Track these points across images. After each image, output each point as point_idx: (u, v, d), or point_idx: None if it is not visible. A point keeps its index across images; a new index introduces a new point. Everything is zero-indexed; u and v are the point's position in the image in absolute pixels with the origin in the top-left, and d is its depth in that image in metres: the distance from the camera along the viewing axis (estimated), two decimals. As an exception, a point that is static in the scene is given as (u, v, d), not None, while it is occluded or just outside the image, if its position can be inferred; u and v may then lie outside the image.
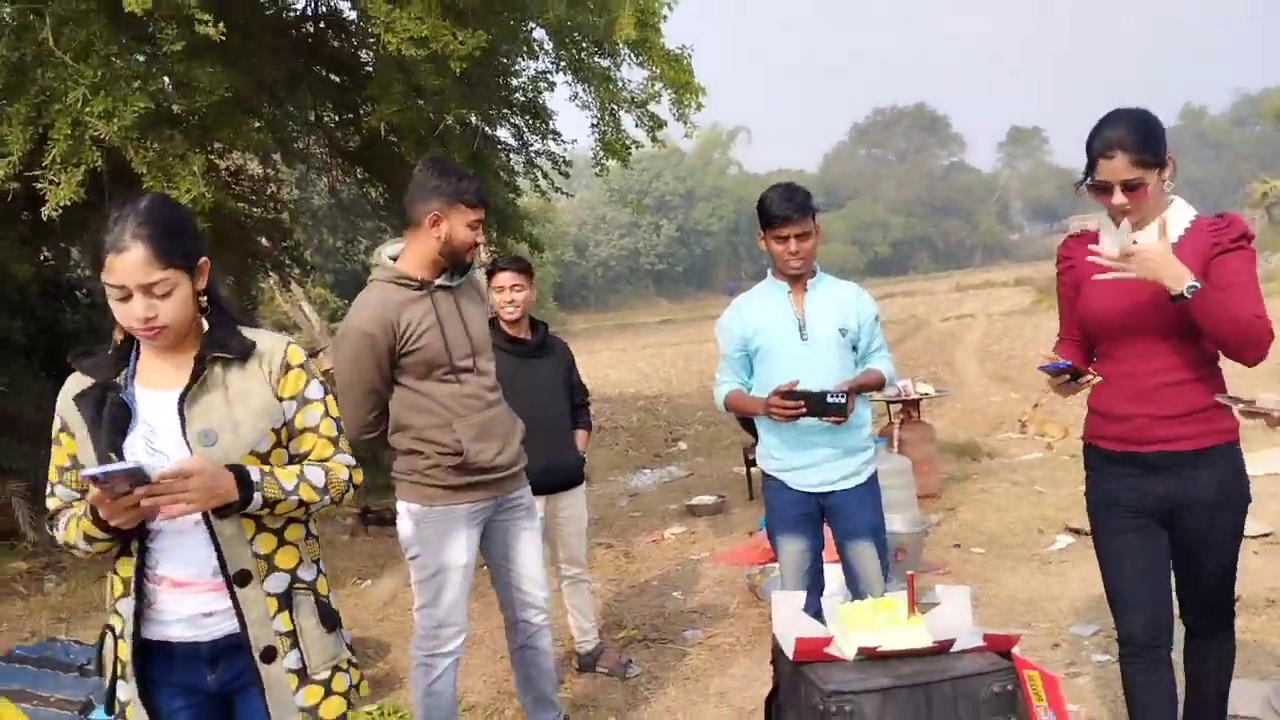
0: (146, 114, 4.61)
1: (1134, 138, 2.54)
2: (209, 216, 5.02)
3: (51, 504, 2.05)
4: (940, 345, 19.97)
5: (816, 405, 3.30)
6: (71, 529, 1.95)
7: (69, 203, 4.67)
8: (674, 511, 7.69)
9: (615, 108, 6.58)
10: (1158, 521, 2.72)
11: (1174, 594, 2.79)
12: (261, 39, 7.15)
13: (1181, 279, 2.43)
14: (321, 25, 7.93)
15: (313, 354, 12.87)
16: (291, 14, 7.89)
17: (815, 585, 3.54)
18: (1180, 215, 2.68)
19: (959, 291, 36.93)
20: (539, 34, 6.89)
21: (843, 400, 3.28)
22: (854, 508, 3.51)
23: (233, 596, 1.96)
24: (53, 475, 2.03)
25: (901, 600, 2.57)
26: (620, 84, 6.48)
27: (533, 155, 8.34)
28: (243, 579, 1.97)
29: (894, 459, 5.99)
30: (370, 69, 7.34)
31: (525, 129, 8.20)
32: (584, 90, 6.58)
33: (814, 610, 3.09)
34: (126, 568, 1.98)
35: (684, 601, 5.33)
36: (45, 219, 4.71)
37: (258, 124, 6.32)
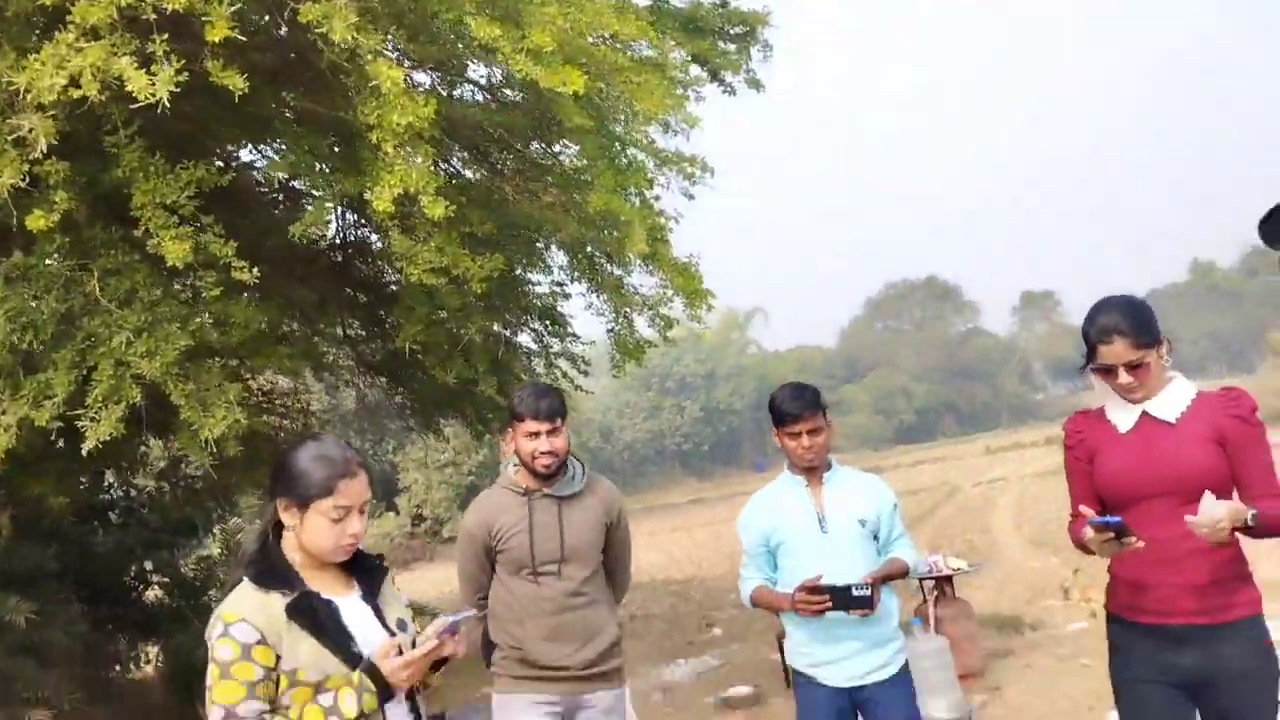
0: (185, 350, 4.89)
1: (1128, 322, 2.74)
2: (241, 441, 5.23)
3: None
4: (974, 511, 19.71)
5: (841, 598, 3.33)
6: None
7: (109, 437, 4.89)
8: (709, 705, 7.49)
9: (629, 311, 6.89)
10: (1186, 696, 2.71)
11: None
12: (293, 270, 7.62)
13: (1240, 515, 2.55)
14: (350, 251, 8.44)
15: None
16: (322, 244, 8.42)
17: (858, 786, 3.46)
18: (1183, 392, 2.82)
19: (989, 454, 36.64)
20: (554, 249, 7.34)
21: (868, 592, 3.32)
22: (887, 701, 3.49)
23: None
24: (234, 695, 2.13)
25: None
26: (632, 290, 6.83)
27: (552, 357, 8.66)
28: None
29: (931, 639, 5.88)
30: (394, 287, 7.76)
31: (544, 333, 8.55)
32: (598, 298, 6.92)
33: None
34: None
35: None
36: (85, 454, 4.92)
37: (289, 351, 6.64)
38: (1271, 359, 25.56)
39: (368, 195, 4.51)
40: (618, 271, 6.83)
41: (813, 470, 3.63)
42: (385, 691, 2.20)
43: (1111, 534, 2.69)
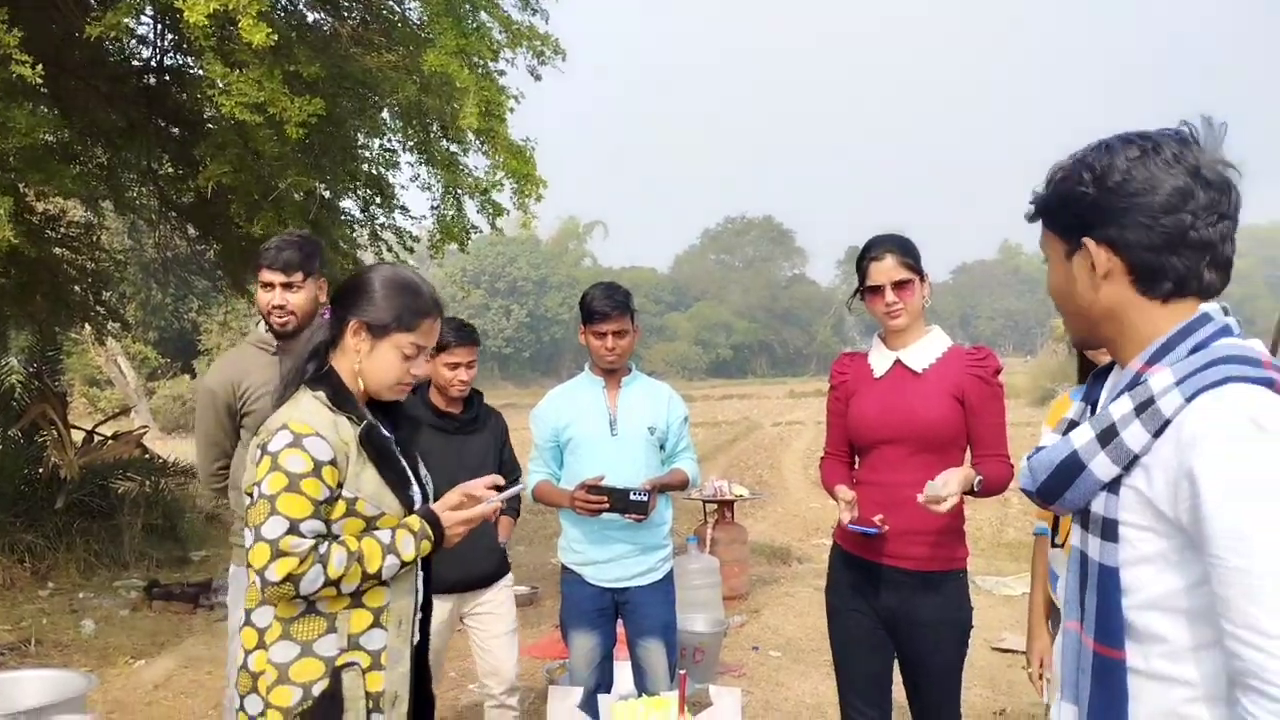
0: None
1: (898, 243, 2.94)
2: (13, 263, 4.75)
3: (297, 542, 1.99)
4: (769, 449, 20.55)
5: (620, 501, 3.35)
6: (345, 567, 2.01)
7: None
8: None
9: (459, 192, 6.65)
10: (886, 632, 2.90)
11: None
12: (97, 86, 6.91)
13: (969, 481, 2.70)
14: (166, 78, 7.74)
15: (123, 411, 12.00)
16: (135, 64, 7.67)
17: (604, 682, 3.54)
18: (936, 345, 2.96)
19: (792, 398, 38.22)
20: (388, 112, 6.95)
21: (645, 498, 3.35)
22: (647, 605, 3.56)
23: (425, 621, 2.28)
24: (301, 510, 1.99)
25: (674, 700, 2.61)
26: (465, 170, 6.57)
27: (378, 229, 8.30)
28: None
29: (703, 558, 6.10)
30: (211, 125, 7.20)
31: (371, 201, 8.17)
32: (427, 172, 6.64)
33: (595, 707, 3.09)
34: (378, 597, 2.09)
35: (480, 692, 5.19)
36: None
37: (76, 170, 6.05)
38: (1051, 344, 27.58)
39: (182, 4, 4.08)
40: (453, 147, 6.55)
41: (612, 373, 3.61)
42: (440, 540, 2.14)
43: (868, 538, 2.87)
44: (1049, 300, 1.50)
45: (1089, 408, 1.50)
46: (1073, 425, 1.48)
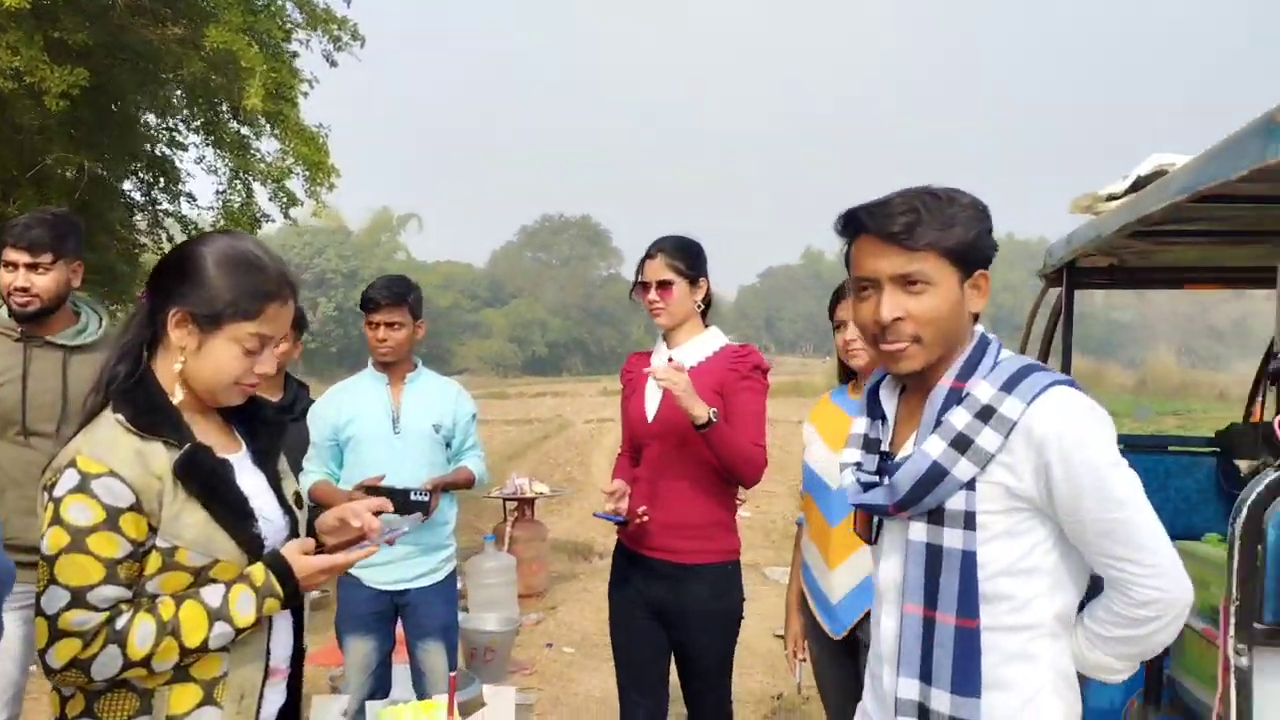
0: None
1: (672, 245, 3.01)
2: None
3: (83, 618, 1.55)
4: (580, 446, 20.62)
5: (400, 502, 3.27)
6: (154, 643, 1.58)
7: None
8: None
9: (248, 177, 6.32)
10: (660, 623, 2.98)
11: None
12: None
13: (700, 415, 2.75)
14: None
15: None
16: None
17: (381, 687, 3.46)
18: (708, 343, 3.05)
19: (604, 395, 38.37)
20: (176, 90, 6.53)
21: (426, 498, 3.28)
22: (428, 606, 3.50)
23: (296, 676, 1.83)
24: (88, 575, 1.55)
25: (443, 703, 2.57)
26: (256, 154, 6.26)
27: (160, 215, 7.77)
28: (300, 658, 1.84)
29: (499, 556, 6.06)
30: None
31: (152, 184, 7.65)
32: (214, 154, 6.28)
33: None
34: (211, 667, 1.65)
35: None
36: None
37: None
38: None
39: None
40: (244, 130, 6.23)
41: (394, 368, 3.53)
42: (294, 596, 1.70)
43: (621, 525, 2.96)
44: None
45: (878, 421, 1.77)
46: (867, 439, 1.78)
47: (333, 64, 5.67)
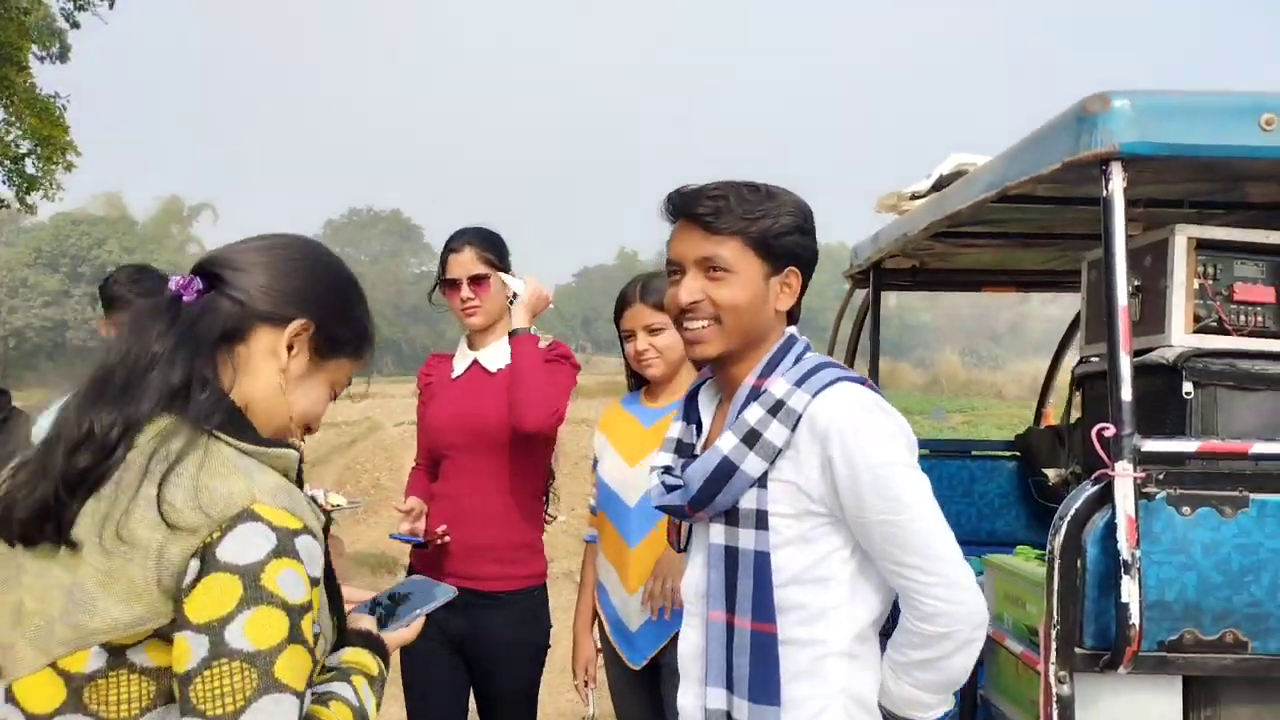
0: None
1: (481, 236, 2.78)
2: None
3: None
4: (390, 451, 19.82)
5: None
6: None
7: None
8: None
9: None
10: (457, 652, 2.69)
11: None
12: None
13: (521, 322, 2.64)
14: None
15: None
16: None
17: None
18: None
19: (414, 396, 37.45)
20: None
21: None
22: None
23: None
24: (304, 668, 1.12)
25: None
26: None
27: None
28: None
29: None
30: None
31: None
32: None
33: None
34: None
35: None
36: None
37: None
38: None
39: None
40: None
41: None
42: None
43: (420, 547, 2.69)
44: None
45: (694, 426, 1.75)
46: (680, 443, 1.74)
47: (74, 25, 4.97)
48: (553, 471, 2.94)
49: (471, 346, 2.85)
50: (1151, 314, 2.19)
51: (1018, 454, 3.89)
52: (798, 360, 1.64)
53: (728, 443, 1.59)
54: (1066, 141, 1.96)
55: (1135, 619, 1.82)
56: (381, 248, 78.24)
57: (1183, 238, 2.14)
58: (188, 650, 1.06)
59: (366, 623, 1.43)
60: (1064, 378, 4.70)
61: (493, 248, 2.79)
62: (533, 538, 2.78)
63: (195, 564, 1.08)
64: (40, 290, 54.24)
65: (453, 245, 2.78)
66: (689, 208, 1.61)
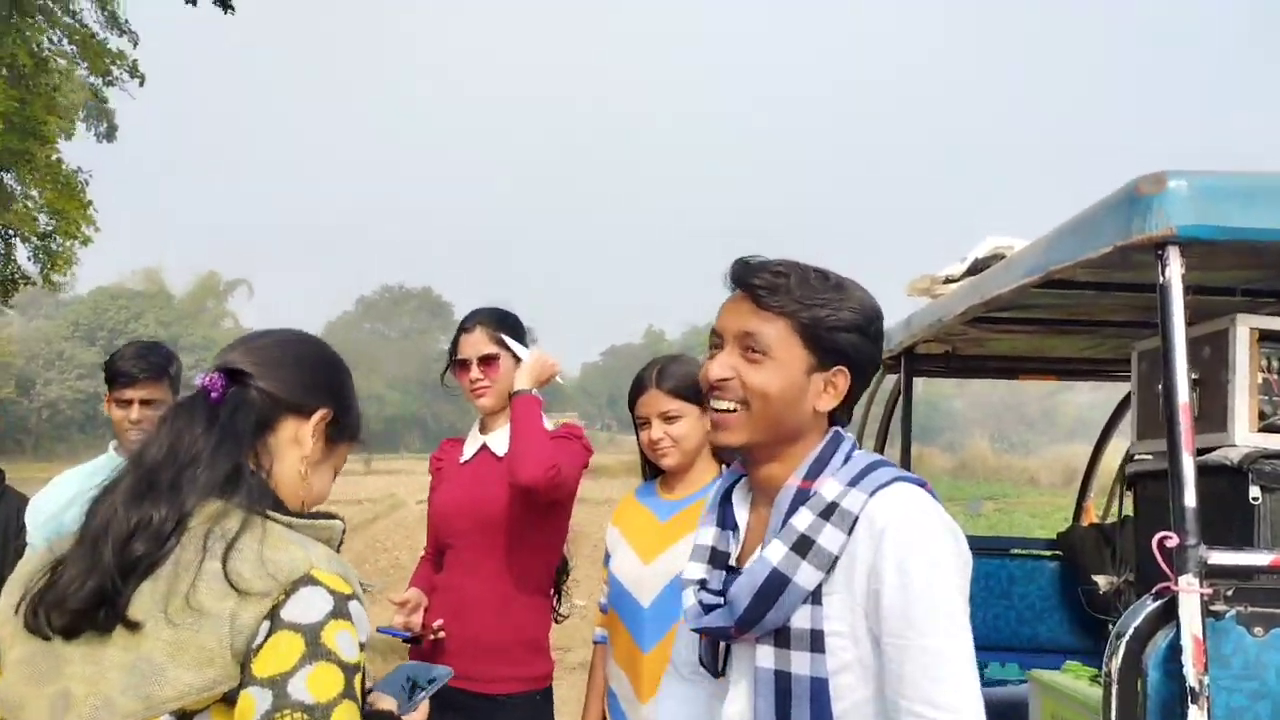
0: None
1: (492, 316, 2.69)
2: None
3: None
4: (410, 529, 19.64)
5: None
6: None
7: None
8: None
9: (8, 232, 5.53)
10: None
11: None
12: None
13: (523, 384, 2.55)
14: None
15: None
16: None
17: None
18: None
19: (439, 475, 37.29)
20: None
21: None
22: None
23: None
24: None
25: None
26: (19, 202, 5.49)
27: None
28: None
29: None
30: None
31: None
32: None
33: None
34: None
35: None
36: None
37: None
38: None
39: None
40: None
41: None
42: None
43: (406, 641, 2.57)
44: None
45: (729, 532, 1.55)
46: (715, 551, 1.53)
47: (101, 99, 5.02)
48: (568, 564, 2.79)
49: (483, 430, 2.74)
50: (1211, 410, 2.02)
51: (1059, 554, 3.66)
52: (848, 459, 1.47)
53: (776, 552, 1.40)
54: (1118, 224, 1.82)
55: (1206, 755, 1.61)
56: (412, 324, 79.05)
57: (1245, 328, 1.98)
58: (253, 704, 1.14)
59: (386, 703, 1.48)
60: (1106, 467, 4.52)
61: (505, 326, 2.70)
62: (538, 635, 2.61)
63: (266, 625, 1.17)
64: (75, 363, 55.00)
65: (465, 325, 2.72)
66: (746, 278, 1.46)
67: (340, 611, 1.21)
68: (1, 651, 1.25)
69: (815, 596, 1.38)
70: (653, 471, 2.64)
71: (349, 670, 1.19)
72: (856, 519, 1.38)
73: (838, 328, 1.44)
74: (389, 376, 70.92)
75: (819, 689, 1.37)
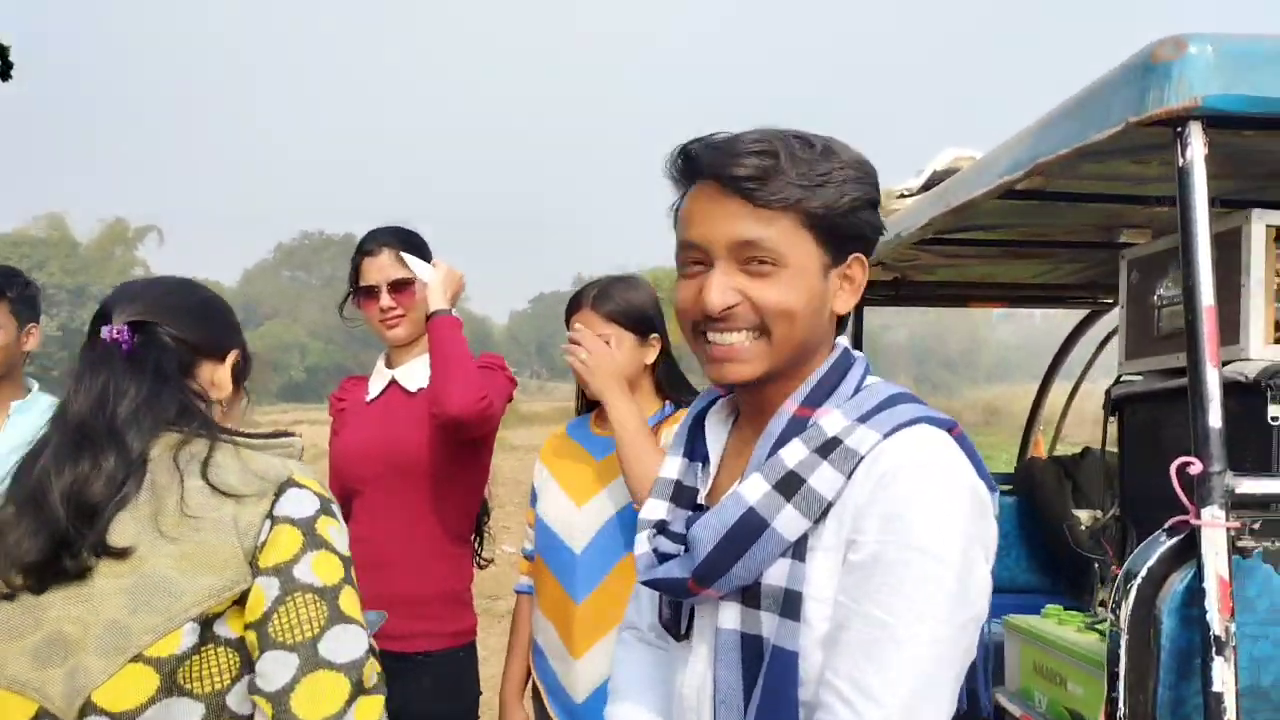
0: None
1: (395, 236, 2.40)
2: None
3: (376, 673, 1.33)
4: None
5: None
6: None
7: None
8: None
9: None
10: None
11: None
12: None
13: (438, 303, 2.26)
14: None
15: None
16: None
17: None
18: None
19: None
20: None
21: None
22: None
23: None
24: (359, 611, 1.32)
25: None
26: None
27: None
28: None
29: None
30: None
31: None
32: None
33: None
34: None
35: None
36: None
37: None
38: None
39: None
40: None
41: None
42: None
43: None
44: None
45: (697, 465, 1.26)
46: (680, 487, 1.24)
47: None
48: (488, 506, 2.52)
49: (389, 365, 2.45)
50: (1221, 321, 1.78)
51: (1013, 489, 3.46)
52: (859, 387, 1.17)
53: (754, 489, 1.10)
54: (1129, 99, 1.54)
55: (1231, 711, 1.38)
56: (334, 271, 77.20)
57: (1260, 226, 1.73)
58: (261, 593, 1.20)
59: None
60: (1053, 404, 4.36)
61: (411, 247, 2.40)
62: (459, 587, 2.37)
63: (267, 524, 1.24)
64: (-26, 312, 52.58)
65: (366, 248, 2.40)
66: (725, 167, 1.10)
67: (327, 510, 1.29)
68: None
69: (797, 550, 1.09)
70: (585, 405, 2.36)
71: (346, 561, 1.27)
72: (860, 460, 1.08)
73: (852, 208, 1.12)
74: (311, 325, 69.41)
75: (783, 664, 1.08)
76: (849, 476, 1.08)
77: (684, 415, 1.37)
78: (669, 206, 1.21)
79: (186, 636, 1.18)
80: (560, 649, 2.17)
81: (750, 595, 1.12)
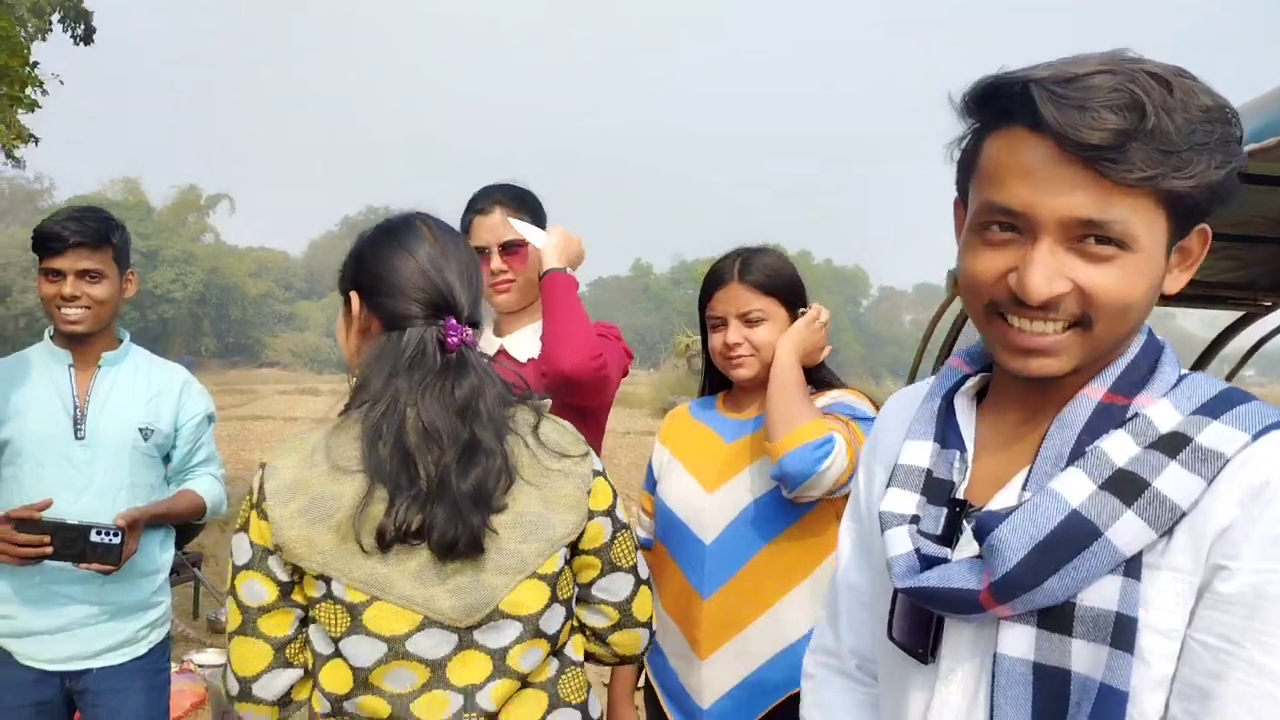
0: None
1: (512, 195, 2.24)
2: None
3: None
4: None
5: (72, 543, 2.23)
6: None
7: None
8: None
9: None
10: None
11: None
12: None
13: (553, 261, 2.11)
14: None
15: None
16: None
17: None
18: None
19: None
20: None
21: (116, 540, 2.23)
22: (119, 696, 2.43)
23: None
24: None
25: None
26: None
27: None
28: None
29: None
30: None
31: None
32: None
33: None
34: None
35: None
36: None
37: None
38: (674, 359, 28.86)
39: None
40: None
41: (84, 343, 2.46)
42: None
43: None
44: (674, 319, 0.91)
45: (953, 453, 1.04)
46: (931, 479, 1.03)
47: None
48: None
49: (498, 333, 2.28)
50: None
51: None
52: (1182, 376, 0.96)
53: (1077, 488, 0.89)
54: None
55: None
56: (397, 246, 78.29)
57: None
58: (600, 529, 1.49)
59: None
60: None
61: (526, 208, 2.23)
62: None
63: (592, 476, 1.50)
64: (51, 272, 53.91)
65: (479, 206, 2.22)
66: (1070, 125, 0.84)
67: (603, 469, 1.55)
68: (343, 569, 1.31)
69: (1131, 567, 0.88)
70: (713, 386, 2.19)
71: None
72: (1227, 463, 0.86)
73: (1220, 179, 0.87)
74: (373, 298, 70.25)
75: (1113, 706, 0.86)
76: (1210, 482, 0.86)
77: (904, 391, 1.18)
78: (950, 141, 0.97)
79: (561, 557, 1.42)
80: (684, 648, 2.02)
81: (1054, 617, 0.90)
